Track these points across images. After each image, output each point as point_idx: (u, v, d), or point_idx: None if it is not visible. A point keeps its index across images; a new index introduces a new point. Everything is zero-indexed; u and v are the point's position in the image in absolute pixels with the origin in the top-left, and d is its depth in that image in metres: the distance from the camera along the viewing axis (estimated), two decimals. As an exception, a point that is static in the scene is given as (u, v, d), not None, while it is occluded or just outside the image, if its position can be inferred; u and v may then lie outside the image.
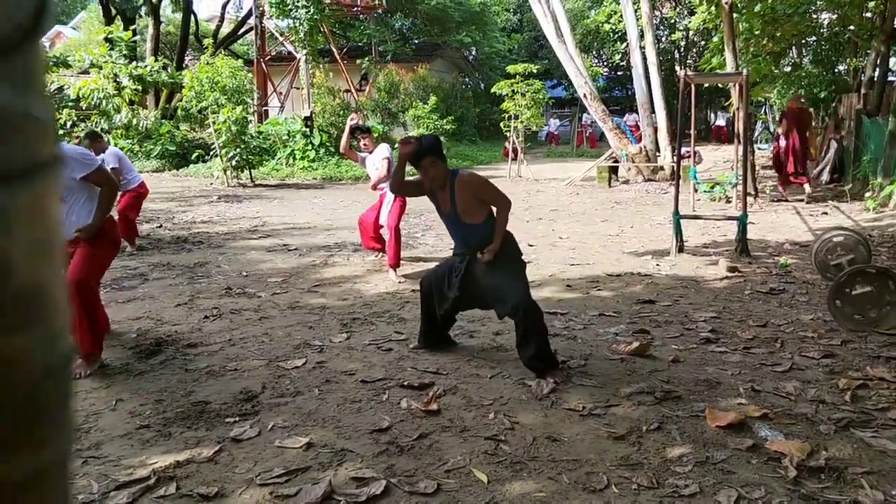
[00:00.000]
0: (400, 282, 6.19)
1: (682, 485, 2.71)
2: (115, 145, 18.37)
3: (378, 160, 6.47)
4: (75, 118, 15.27)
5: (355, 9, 23.30)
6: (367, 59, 23.39)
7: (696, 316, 5.05)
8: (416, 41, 29.96)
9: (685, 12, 28.85)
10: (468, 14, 27.40)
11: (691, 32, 28.85)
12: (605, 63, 34.89)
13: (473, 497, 2.64)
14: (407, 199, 6.48)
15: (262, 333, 4.75)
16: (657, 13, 30.59)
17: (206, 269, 6.82)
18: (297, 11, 17.85)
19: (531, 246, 7.77)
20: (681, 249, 7.14)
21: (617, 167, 14.64)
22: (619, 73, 34.47)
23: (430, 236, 8.69)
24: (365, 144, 6.57)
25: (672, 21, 29.70)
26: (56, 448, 0.33)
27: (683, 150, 13.40)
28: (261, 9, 20.84)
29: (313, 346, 4.47)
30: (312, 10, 17.79)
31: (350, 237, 8.47)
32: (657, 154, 14.48)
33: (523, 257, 4.19)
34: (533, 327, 3.82)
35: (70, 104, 15.90)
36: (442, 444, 3.09)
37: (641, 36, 14.52)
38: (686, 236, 8.08)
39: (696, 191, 10.67)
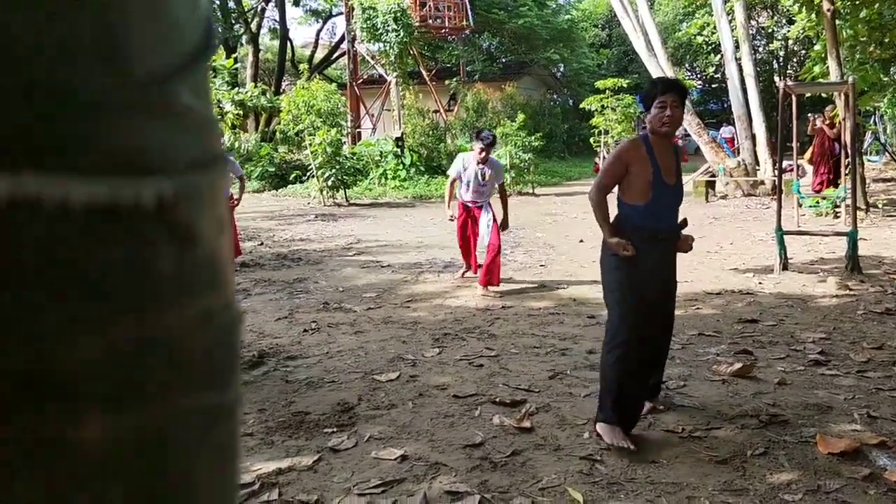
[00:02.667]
0: (503, 304, 6.06)
1: (792, 513, 2.58)
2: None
3: (499, 169, 6.59)
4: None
5: (443, 31, 23.69)
6: (455, 79, 23.71)
7: (804, 336, 4.81)
8: (504, 60, 30.16)
9: (783, 21, 27.74)
10: (556, 32, 27.33)
11: (791, 41, 27.74)
12: (699, 76, 33.99)
13: (569, 516, 2.61)
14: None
15: (358, 347, 4.86)
16: (753, 22, 29.59)
17: (304, 285, 7.06)
18: (387, 35, 18.33)
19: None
20: (785, 267, 6.82)
21: (714, 182, 14.17)
22: (713, 85, 33.51)
23: (520, 253, 8.67)
24: (485, 153, 6.32)
25: (770, 30, 28.58)
26: (235, 389, 0.40)
27: (786, 163, 12.87)
28: (353, 34, 21.51)
29: (406, 359, 4.54)
30: (402, 33, 18.23)
31: (440, 254, 8.56)
32: (756, 168, 13.91)
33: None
34: (667, 347, 3.60)
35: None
36: (536, 461, 3.06)
37: (737, 47, 14.06)
38: (791, 253, 7.72)
39: (800, 205, 10.17)
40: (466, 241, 6.79)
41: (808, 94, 14.17)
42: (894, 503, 2.63)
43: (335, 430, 3.45)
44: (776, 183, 11.83)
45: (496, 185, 6.54)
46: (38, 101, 0.29)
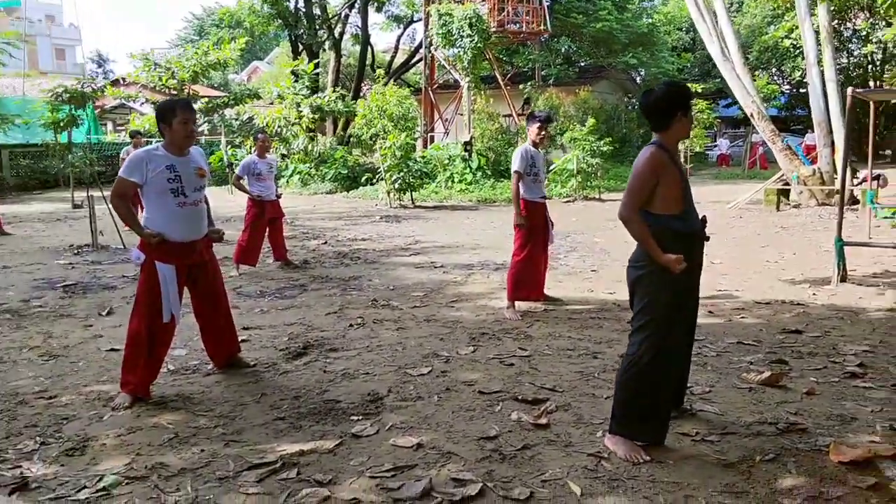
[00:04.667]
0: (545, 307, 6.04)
1: (786, 517, 2.61)
2: (295, 168, 20.12)
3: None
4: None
5: (521, 35, 23.74)
6: (529, 83, 23.74)
7: (846, 349, 4.70)
8: (582, 64, 29.90)
9: (882, 24, 26.36)
10: (635, 35, 26.91)
11: (891, 44, 26.34)
12: (787, 80, 32.72)
13: (563, 507, 2.72)
14: None
15: (397, 342, 5.07)
16: (848, 25, 28.26)
17: (358, 283, 7.34)
18: (461, 41, 18.58)
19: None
20: (843, 279, 6.61)
21: (787, 190, 13.70)
22: (801, 90, 32.13)
23: (573, 257, 8.70)
24: (544, 134, 5.81)
25: (864, 33, 27.23)
26: None
27: (863, 172, 12.33)
28: (430, 39, 21.88)
29: (441, 356, 4.71)
30: (476, 38, 18.44)
31: (493, 256, 8.69)
32: (834, 177, 13.36)
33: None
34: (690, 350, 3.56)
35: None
36: (544, 456, 3.17)
37: (820, 51, 13.55)
38: (855, 265, 7.49)
39: (875, 216, 9.76)
40: (535, 261, 5.95)
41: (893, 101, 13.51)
42: (895, 514, 2.62)
43: (361, 417, 3.66)
44: (850, 192, 11.39)
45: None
46: None
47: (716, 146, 30.23)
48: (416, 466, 3.08)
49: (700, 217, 3.34)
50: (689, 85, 12.59)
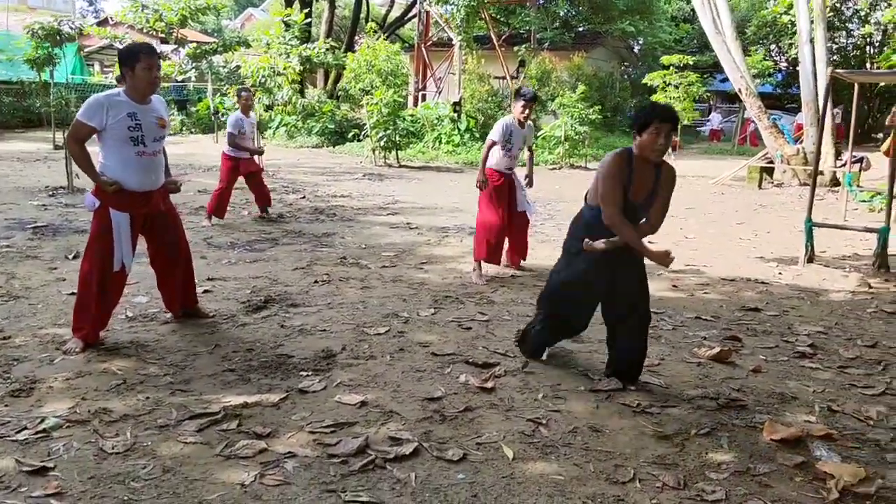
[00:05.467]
0: (513, 274, 6.12)
1: (710, 490, 2.67)
2: (282, 121, 19.87)
3: (532, 131, 6.06)
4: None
5: (519, -5, 23.34)
6: (524, 46, 23.42)
7: (801, 329, 4.76)
8: (580, 29, 29.47)
9: (884, 4, 26.08)
10: (633, 2, 26.49)
11: (891, 26, 26.10)
12: (785, 57, 32.43)
13: (494, 470, 2.76)
14: None
15: (360, 301, 5.09)
16: (849, 4, 27.96)
17: (330, 240, 7.33)
18: (455, -2, 18.25)
19: (651, 244, 7.55)
20: (811, 259, 6.67)
21: (772, 169, 13.71)
22: (797, 67, 31.90)
23: (550, 226, 8.71)
24: (528, 111, 5.81)
25: (864, 13, 26.97)
26: None
27: (846, 154, 12.32)
28: (425, -6, 21.49)
29: (400, 316, 4.74)
30: (470, -3, 18.11)
31: (469, 220, 8.65)
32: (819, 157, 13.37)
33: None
34: (645, 336, 3.67)
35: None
36: (484, 419, 3.22)
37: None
38: (826, 247, 7.56)
39: (854, 199, 9.80)
40: (500, 226, 6.00)
41: (882, 84, 13.44)
42: (815, 492, 2.69)
43: (310, 373, 3.69)
44: (833, 174, 11.44)
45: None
46: None
47: (708, 121, 30.12)
48: (357, 424, 3.12)
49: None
50: (679, 56, 12.35)
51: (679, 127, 18.50)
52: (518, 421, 3.21)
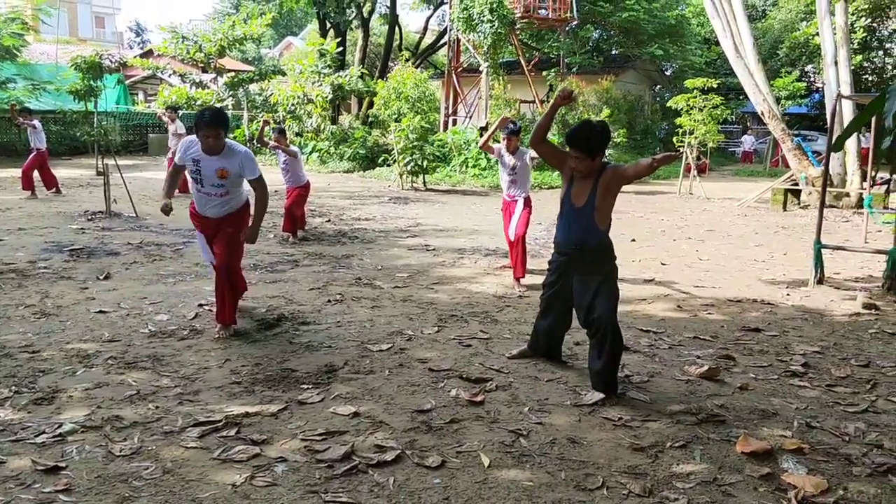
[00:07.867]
0: (521, 293, 6.33)
1: (673, 498, 2.80)
2: (315, 146, 20.42)
3: (526, 158, 6.51)
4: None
5: (548, 21, 23.64)
6: (553, 70, 23.68)
7: (797, 349, 4.83)
8: (612, 53, 29.67)
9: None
10: (663, 27, 26.63)
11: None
12: (820, 79, 32.05)
13: (469, 476, 2.94)
14: (533, 209, 6.72)
15: (368, 319, 5.31)
16: (888, 23, 27.60)
17: (349, 261, 7.59)
18: (482, 25, 18.61)
19: (663, 265, 7.67)
20: (820, 281, 6.69)
21: (799, 191, 13.63)
22: (834, 88, 31.51)
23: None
24: (508, 143, 6.48)
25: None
26: None
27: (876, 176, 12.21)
28: (455, 22, 21.93)
29: (405, 334, 4.94)
30: (497, 24, 18.45)
31: (488, 242, 8.89)
32: (844, 178, 13.28)
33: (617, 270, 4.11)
34: (608, 347, 3.83)
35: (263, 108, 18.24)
36: (468, 430, 3.40)
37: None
38: (841, 269, 7.57)
39: (875, 222, 9.74)
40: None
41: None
42: (776, 501, 2.80)
43: (311, 386, 3.91)
44: (859, 196, 11.34)
45: (530, 175, 6.70)
46: None
47: (740, 143, 29.89)
48: (347, 433, 3.32)
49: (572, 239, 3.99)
50: (703, 80, 12.43)
51: (707, 149, 18.54)
52: (500, 432, 3.38)
